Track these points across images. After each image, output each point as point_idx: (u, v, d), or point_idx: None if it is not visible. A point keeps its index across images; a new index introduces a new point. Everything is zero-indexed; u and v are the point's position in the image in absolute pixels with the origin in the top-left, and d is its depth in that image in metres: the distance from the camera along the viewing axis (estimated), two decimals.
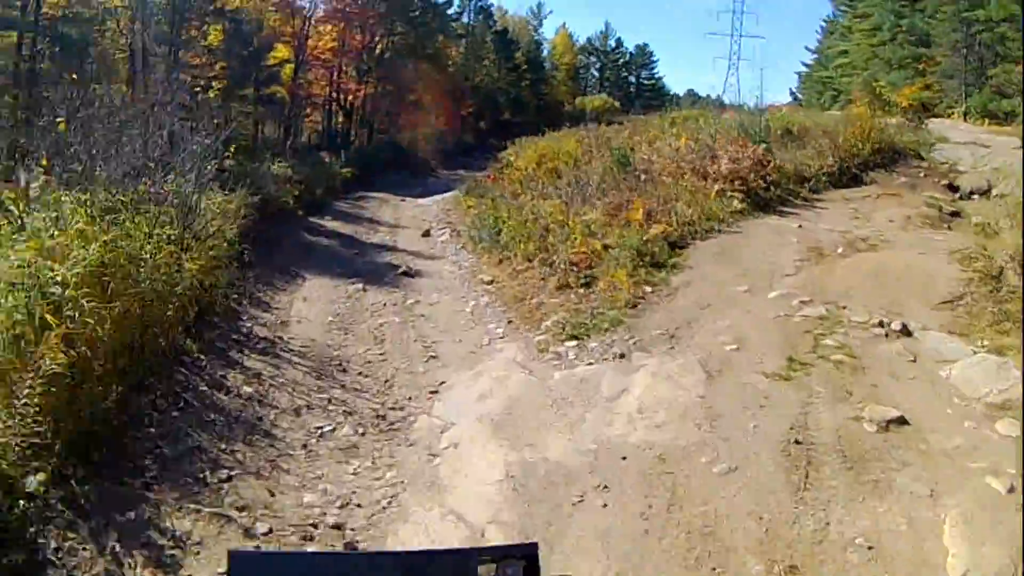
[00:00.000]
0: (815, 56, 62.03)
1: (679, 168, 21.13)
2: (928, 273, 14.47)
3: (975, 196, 21.63)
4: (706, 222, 17.94)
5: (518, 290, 15.85)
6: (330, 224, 24.65)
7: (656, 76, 73.61)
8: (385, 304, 15.95)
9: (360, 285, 17.12)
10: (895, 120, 28.79)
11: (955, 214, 19.91)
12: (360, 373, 12.47)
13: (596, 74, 69.27)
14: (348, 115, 41.02)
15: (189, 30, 32.00)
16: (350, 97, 40.92)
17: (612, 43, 71.32)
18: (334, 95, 40.16)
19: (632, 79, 71.58)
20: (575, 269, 15.55)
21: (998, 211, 18.48)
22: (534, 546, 2.45)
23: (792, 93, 64.00)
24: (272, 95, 35.35)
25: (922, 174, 23.60)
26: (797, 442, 8.97)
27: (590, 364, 11.97)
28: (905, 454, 8.70)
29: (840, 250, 16.35)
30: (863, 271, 14.97)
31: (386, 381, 12.22)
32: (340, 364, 12.74)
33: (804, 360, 11.10)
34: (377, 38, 42.18)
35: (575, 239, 16.61)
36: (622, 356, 12.07)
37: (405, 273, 18.14)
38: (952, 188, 22.49)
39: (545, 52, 58.71)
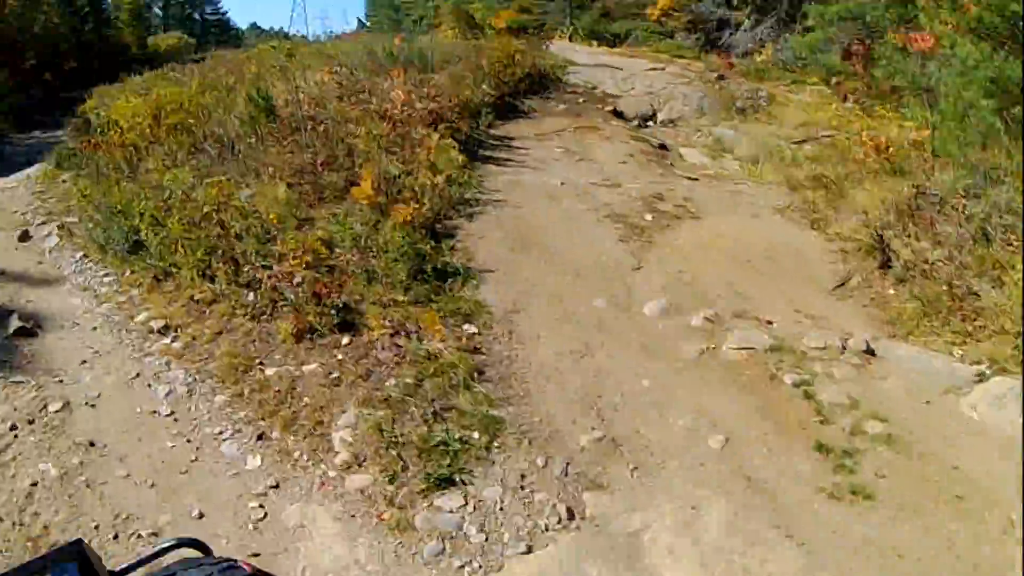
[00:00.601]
0: None
1: (365, 112, 13.49)
2: (792, 247, 10.12)
3: (651, 124, 17.18)
4: (453, 189, 10.96)
5: (228, 348, 8.12)
6: None
7: (222, 11, 63.57)
8: (15, 425, 7.41)
9: None
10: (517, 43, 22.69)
11: (663, 147, 15.08)
12: None
13: (160, 13, 57.67)
14: None
15: None
16: None
17: None
18: None
19: (197, 16, 60.99)
20: (317, 298, 8.18)
21: (702, 141, 15.38)
22: (79, 542, 1.89)
23: (360, 21, 57.96)
24: None
25: (581, 100, 17.85)
26: None
27: (527, 551, 5.48)
28: None
29: (649, 218, 10.61)
30: (719, 253, 9.89)
31: None
32: None
33: (843, 447, 6.40)
34: None
35: (286, 239, 9.22)
36: (571, 516, 5.76)
37: (22, 330, 9.26)
38: (618, 114, 17.37)
39: None
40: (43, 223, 13.62)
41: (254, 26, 71.17)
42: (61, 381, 8.11)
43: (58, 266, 11.51)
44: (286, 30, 61.34)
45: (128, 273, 10.37)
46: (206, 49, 41.40)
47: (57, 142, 21.53)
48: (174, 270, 9.71)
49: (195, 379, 7.82)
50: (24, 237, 13.06)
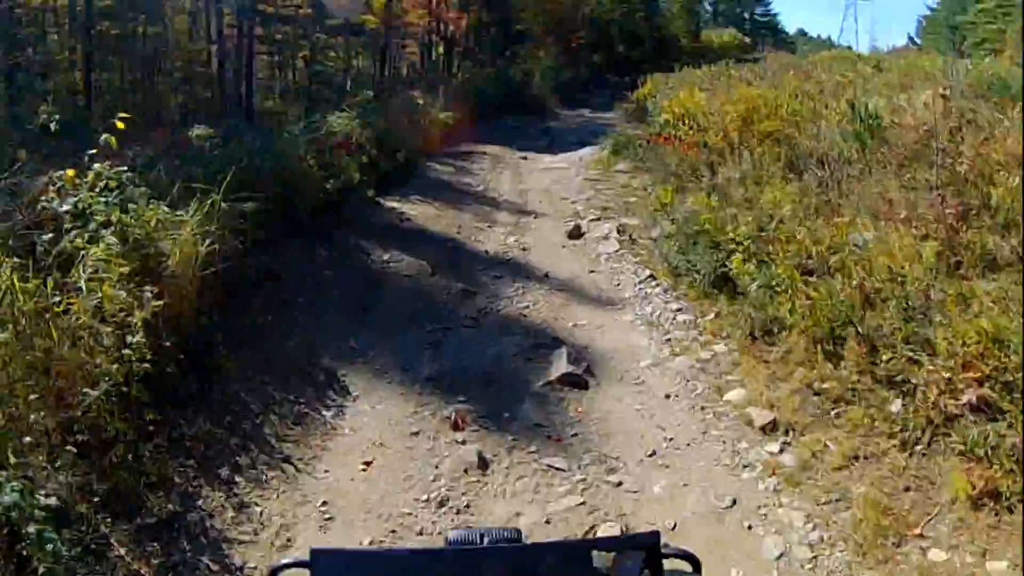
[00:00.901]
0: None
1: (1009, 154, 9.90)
2: None
3: None
4: None
5: (871, 490, 5.13)
6: (416, 211, 12.54)
7: (771, 12, 61.54)
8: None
9: (475, 445, 6.05)
10: None
11: None
12: None
13: (710, 9, 57.08)
14: (449, 46, 30.19)
15: None
16: (450, 27, 29.99)
17: None
18: (433, 24, 29.18)
19: (746, 15, 59.40)
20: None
21: None
22: (656, 535, 1.77)
23: (910, 38, 53.17)
24: (363, 25, 25.77)
25: None
26: None
27: None
28: None
29: None
30: None
31: None
32: None
33: None
34: None
35: (948, 326, 6.20)
36: None
37: (568, 377, 7.04)
38: None
39: None
40: (596, 219, 11.89)
41: (801, 31, 68.59)
42: (619, 483, 5.62)
43: (615, 282, 9.47)
44: (833, 39, 58.24)
45: (711, 316, 7.98)
46: (760, 49, 40.05)
47: (606, 124, 20.58)
48: (779, 330, 7.15)
49: (822, 537, 4.97)
50: (575, 233, 11.38)
